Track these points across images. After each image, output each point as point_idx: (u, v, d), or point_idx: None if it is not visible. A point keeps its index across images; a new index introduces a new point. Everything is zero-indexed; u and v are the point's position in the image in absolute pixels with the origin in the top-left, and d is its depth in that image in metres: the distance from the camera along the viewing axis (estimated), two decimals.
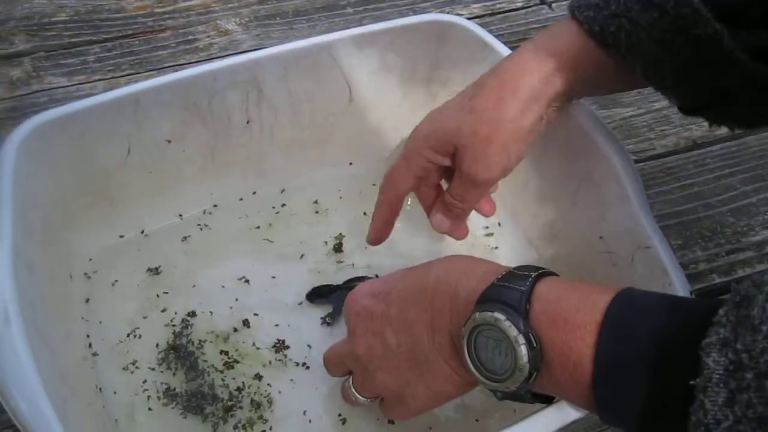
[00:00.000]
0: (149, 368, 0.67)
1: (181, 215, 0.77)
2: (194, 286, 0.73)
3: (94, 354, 0.67)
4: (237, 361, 0.68)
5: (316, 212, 0.80)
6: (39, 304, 0.57)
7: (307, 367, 0.68)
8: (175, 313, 0.71)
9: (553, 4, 1.12)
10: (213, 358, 0.68)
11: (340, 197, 0.81)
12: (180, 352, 0.68)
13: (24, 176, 0.61)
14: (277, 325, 0.70)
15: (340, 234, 0.78)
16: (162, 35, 1.02)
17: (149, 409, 0.65)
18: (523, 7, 1.11)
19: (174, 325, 0.70)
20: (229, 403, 0.65)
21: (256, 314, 0.71)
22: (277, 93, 0.73)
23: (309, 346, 0.69)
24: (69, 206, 0.69)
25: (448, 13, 1.07)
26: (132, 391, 0.66)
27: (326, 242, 0.77)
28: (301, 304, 0.72)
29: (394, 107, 0.81)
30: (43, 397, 0.48)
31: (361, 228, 0.73)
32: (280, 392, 0.66)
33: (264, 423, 0.64)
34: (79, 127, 0.66)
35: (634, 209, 0.63)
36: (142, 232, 0.76)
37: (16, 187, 0.59)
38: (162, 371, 0.67)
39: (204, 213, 0.78)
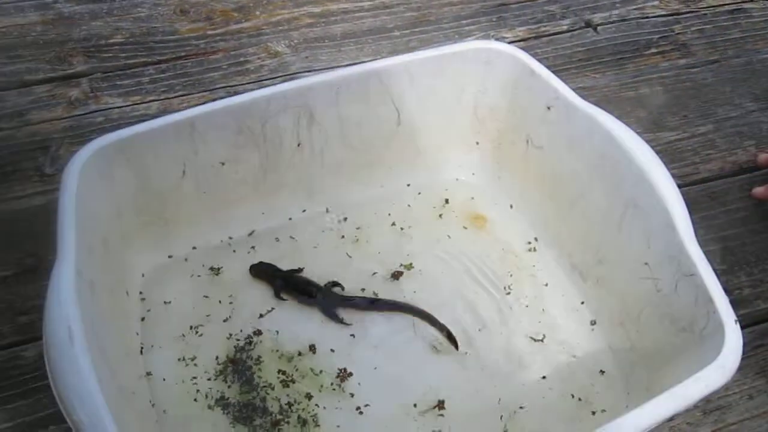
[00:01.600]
0: (207, 379, 0.70)
1: (231, 237, 0.80)
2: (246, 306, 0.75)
3: (148, 374, 0.69)
4: (294, 381, 0.70)
5: (356, 238, 0.81)
6: (99, 322, 0.59)
7: (352, 395, 0.70)
8: (240, 331, 0.73)
9: (599, 27, 1.12)
10: (270, 376, 0.70)
11: (385, 220, 0.82)
12: (238, 366, 0.70)
13: (85, 197, 0.63)
14: (332, 350, 0.72)
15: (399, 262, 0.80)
16: (214, 57, 1.05)
17: (202, 415, 0.67)
18: (568, 30, 1.12)
19: (238, 340, 0.72)
20: (278, 417, 0.67)
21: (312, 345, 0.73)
22: (328, 117, 0.75)
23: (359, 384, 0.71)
24: (126, 226, 0.72)
25: (492, 36, 1.09)
26: (187, 399, 0.68)
27: (375, 272, 0.79)
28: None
29: (441, 131, 0.82)
30: (105, 413, 0.50)
31: (403, 250, 0.76)
32: (325, 408, 0.68)
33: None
34: (137, 150, 0.69)
35: (679, 237, 0.64)
36: (194, 248, 0.78)
37: (78, 207, 0.61)
38: (218, 382, 0.69)
39: (253, 233, 0.80)
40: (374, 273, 0.78)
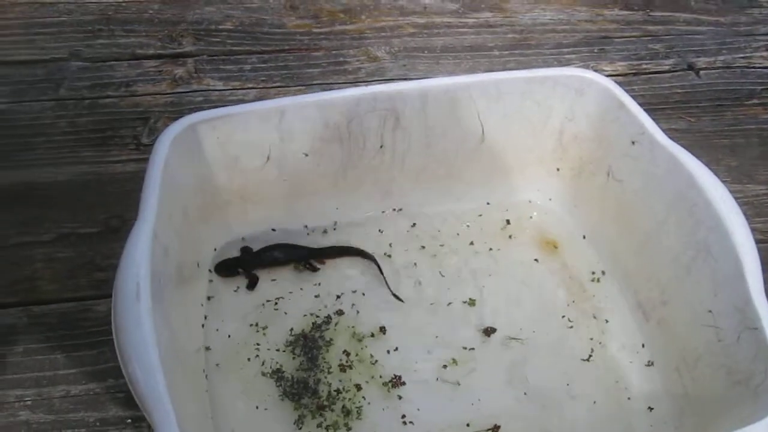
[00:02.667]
0: (275, 350, 0.73)
1: (306, 226, 0.82)
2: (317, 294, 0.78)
3: (207, 348, 0.72)
4: (351, 367, 0.72)
5: (436, 240, 0.83)
6: (168, 286, 0.62)
7: (400, 398, 0.71)
8: (325, 306, 0.77)
9: (701, 72, 1.11)
10: (333, 358, 0.72)
11: (457, 234, 0.83)
12: (308, 343, 0.73)
13: (173, 166, 0.66)
14: (396, 350, 0.74)
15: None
16: (315, 54, 1.08)
17: (253, 381, 0.70)
18: (669, 71, 1.10)
19: (317, 317, 0.76)
20: (324, 402, 0.69)
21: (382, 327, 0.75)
22: (414, 123, 0.77)
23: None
24: (206, 200, 0.75)
25: (592, 67, 1.09)
26: (243, 360, 0.72)
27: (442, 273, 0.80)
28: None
29: (523, 152, 0.83)
30: (159, 372, 0.53)
31: (469, 265, 0.76)
32: (369, 404, 0.69)
33: (347, 431, 0.68)
34: (227, 129, 0.72)
35: (747, 289, 0.62)
36: (274, 230, 0.81)
37: (164, 175, 0.64)
38: (283, 354, 0.73)
39: (325, 226, 0.83)
40: (438, 285, 0.80)
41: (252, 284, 0.77)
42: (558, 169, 0.84)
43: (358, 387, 0.71)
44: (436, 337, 0.75)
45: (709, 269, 0.67)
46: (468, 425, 0.69)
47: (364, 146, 0.77)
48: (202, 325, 0.73)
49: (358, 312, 0.76)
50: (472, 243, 0.83)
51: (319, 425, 0.68)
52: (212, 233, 0.78)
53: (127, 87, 1.01)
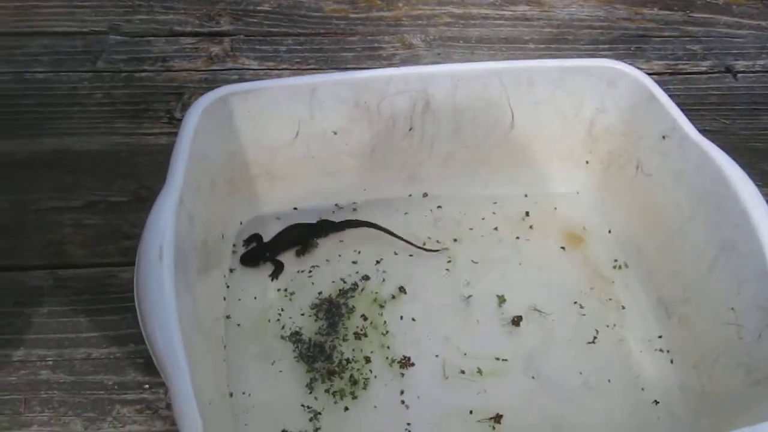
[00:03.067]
0: (300, 314, 0.75)
1: (337, 204, 0.83)
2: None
3: (228, 316, 0.73)
4: (365, 336, 0.73)
5: (461, 226, 0.83)
6: (191, 254, 0.63)
7: (413, 365, 0.71)
8: (356, 272, 0.78)
9: (739, 75, 1.09)
10: (352, 325, 0.73)
11: (482, 220, 0.83)
12: (332, 308, 0.74)
13: (202, 137, 0.67)
14: (413, 320, 0.75)
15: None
16: (351, 38, 1.09)
17: (271, 342, 0.72)
18: (706, 72, 1.09)
19: (345, 282, 0.77)
20: (335, 369, 0.70)
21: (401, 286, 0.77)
22: (443, 107, 0.77)
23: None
24: (235, 173, 0.76)
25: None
26: (263, 321, 0.74)
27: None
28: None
29: (552, 142, 0.82)
30: (177, 333, 0.53)
31: (492, 252, 0.76)
32: (376, 377, 0.70)
33: (352, 399, 0.68)
34: (258, 104, 0.72)
35: None
36: (296, 208, 0.82)
37: (193, 144, 0.65)
38: (306, 318, 0.74)
39: (352, 205, 0.83)
40: (460, 270, 0.79)
41: (277, 272, 0.77)
42: (587, 162, 0.84)
43: (368, 359, 0.71)
44: (451, 323, 0.75)
45: (734, 266, 0.66)
46: (471, 412, 0.68)
47: (394, 128, 0.77)
48: (224, 298, 0.74)
49: (384, 279, 0.78)
50: (496, 229, 0.83)
51: (327, 390, 0.69)
52: (239, 207, 0.78)
53: (163, 62, 1.03)
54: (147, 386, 0.71)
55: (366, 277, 0.77)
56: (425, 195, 0.84)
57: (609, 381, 0.71)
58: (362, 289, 0.77)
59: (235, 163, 0.75)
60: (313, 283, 0.77)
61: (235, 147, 0.74)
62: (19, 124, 0.94)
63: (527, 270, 0.80)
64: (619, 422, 0.69)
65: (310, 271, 0.78)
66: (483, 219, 0.83)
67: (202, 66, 1.02)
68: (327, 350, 0.72)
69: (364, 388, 0.69)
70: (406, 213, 0.83)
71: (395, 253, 0.80)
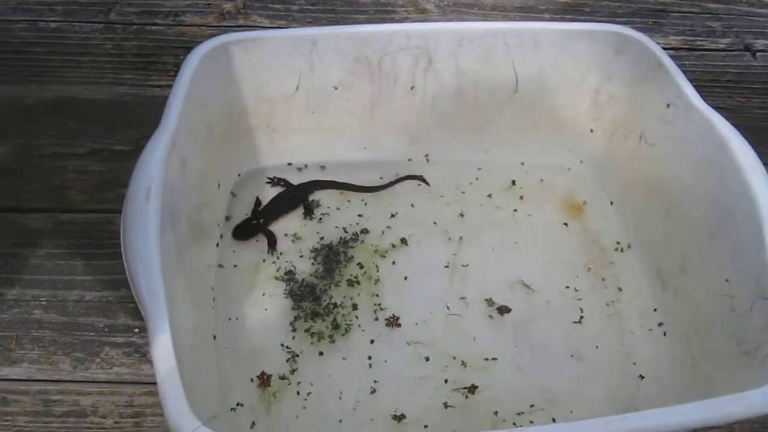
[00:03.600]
0: (299, 256, 0.76)
1: (337, 161, 0.82)
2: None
3: (220, 265, 0.74)
4: (358, 283, 0.73)
5: (462, 192, 0.82)
6: (180, 197, 0.63)
7: (399, 326, 0.71)
8: (361, 222, 0.79)
9: (758, 54, 1.07)
10: (347, 272, 0.74)
11: (482, 187, 0.83)
12: (331, 254, 0.75)
13: (200, 83, 0.67)
14: (405, 278, 0.75)
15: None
16: (363, 1, 1.08)
17: (264, 280, 0.74)
18: (724, 50, 1.07)
19: (346, 232, 0.78)
20: (320, 311, 0.71)
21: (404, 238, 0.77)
22: (446, 67, 0.76)
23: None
24: (234, 123, 0.76)
25: None
26: (259, 262, 0.75)
27: (459, 234, 0.80)
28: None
29: (557, 109, 0.81)
30: (157, 268, 0.53)
31: (491, 219, 0.76)
32: (359, 329, 0.71)
33: (330, 343, 0.69)
34: (258, 53, 0.72)
35: (766, 257, 0.61)
36: (289, 164, 0.82)
37: (190, 88, 0.65)
38: (305, 260, 0.75)
39: (350, 165, 0.83)
40: (456, 235, 0.79)
41: (272, 244, 0.76)
42: (591, 131, 0.82)
43: (355, 306, 0.72)
44: (441, 288, 0.75)
45: (731, 236, 0.65)
46: (446, 381, 0.68)
47: (395, 84, 0.77)
48: (217, 245, 0.74)
49: (383, 232, 0.78)
50: (494, 198, 0.82)
51: (307, 330, 0.70)
52: (237, 158, 0.78)
53: (174, 17, 1.03)
54: (136, 330, 0.72)
55: (365, 231, 0.78)
56: (426, 157, 0.83)
57: (600, 353, 0.71)
58: (362, 241, 0.77)
59: (233, 113, 0.75)
60: (317, 232, 0.78)
61: (235, 96, 0.74)
62: (29, 71, 0.94)
63: (526, 239, 0.79)
64: (608, 393, 0.68)
65: (320, 219, 0.79)
66: (483, 188, 0.82)
67: (213, 22, 1.02)
68: (317, 292, 0.73)
69: (344, 334, 0.70)
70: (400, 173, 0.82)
71: (394, 213, 0.80)
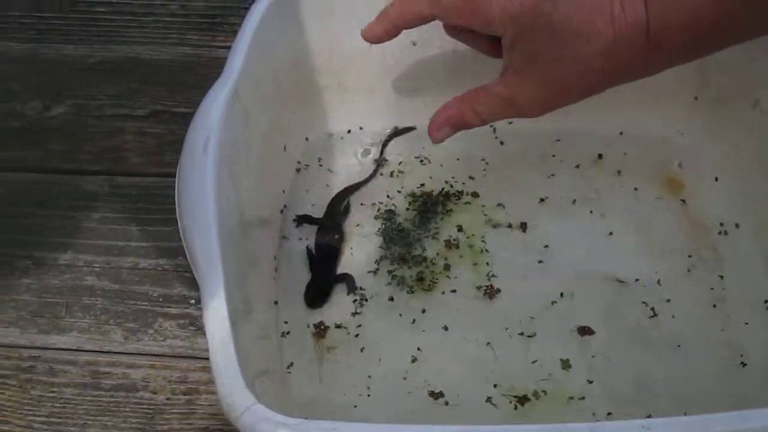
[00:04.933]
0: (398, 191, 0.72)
1: (413, 126, 0.75)
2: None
3: (284, 237, 0.68)
4: (457, 247, 0.68)
5: (552, 169, 0.75)
6: (242, 152, 0.58)
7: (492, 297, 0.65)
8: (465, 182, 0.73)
9: None
10: (445, 229, 0.69)
11: (574, 158, 0.75)
12: (428, 204, 0.70)
13: (267, 31, 0.62)
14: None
15: None
16: None
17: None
18: None
19: (452, 186, 0.72)
20: (406, 256, 0.67)
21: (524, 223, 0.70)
22: None
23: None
24: (302, 80, 0.70)
25: None
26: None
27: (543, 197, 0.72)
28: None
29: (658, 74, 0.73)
30: (214, 230, 0.48)
31: (578, 191, 0.69)
32: (447, 286, 0.65)
33: (407, 293, 0.65)
34: (332, 6, 0.66)
35: None
36: (361, 128, 0.75)
37: (256, 36, 0.60)
38: (402, 200, 0.71)
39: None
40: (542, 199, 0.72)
41: (351, 286, 0.66)
42: (696, 98, 0.74)
43: (447, 267, 0.66)
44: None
45: None
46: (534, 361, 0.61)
47: None
48: (283, 191, 0.70)
49: (504, 206, 0.71)
50: (577, 166, 0.74)
51: (390, 272, 0.66)
52: (305, 120, 0.72)
53: None
54: (192, 301, 0.67)
55: (475, 195, 0.71)
56: (510, 123, 0.76)
57: (704, 345, 0.62)
58: (467, 203, 0.71)
59: (302, 69, 0.69)
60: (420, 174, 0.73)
61: (304, 50, 0.68)
62: (92, 31, 0.90)
63: (620, 215, 0.71)
64: (708, 383, 0.60)
65: (422, 161, 0.74)
66: (574, 158, 0.75)
67: None
68: (410, 239, 0.68)
69: (427, 290, 0.65)
70: (480, 144, 0.75)
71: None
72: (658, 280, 0.66)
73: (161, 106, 0.82)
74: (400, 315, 0.63)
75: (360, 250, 0.68)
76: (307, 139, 0.73)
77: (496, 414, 0.57)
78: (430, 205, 0.70)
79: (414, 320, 0.63)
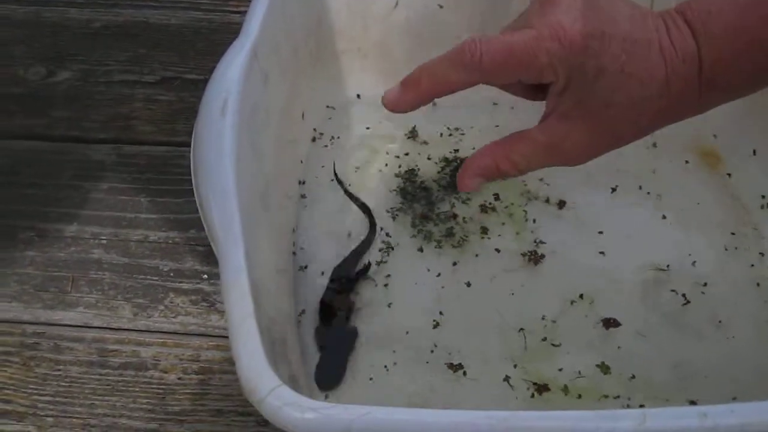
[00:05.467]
0: (427, 158, 0.69)
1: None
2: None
3: (303, 196, 0.65)
4: (494, 210, 0.65)
5: None
6: (261, 115, 0.54)
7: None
8: None
9: None
10: (477, 196, 0.66)
11: None
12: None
13: None
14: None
15: None
16: None
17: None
18: None
19: None
20: (431, 215, 0.64)
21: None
22: None
23: None
24: (322, 44, 0.67)
25: None
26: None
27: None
28: None
29: None
30: (233, 195, 0.44)
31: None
32: (476, 256, 0.62)
33: (435, 247, 0.62)
34: None
35: None
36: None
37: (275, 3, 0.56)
38: (433, 165, 0.68)
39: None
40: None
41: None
42: None
43: (485, 230, 0.63)
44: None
45: None
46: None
47: (509, 4, 0.65)
48: (301, 161, 0.67)
49: (544, 180, 0.67)
50: None
51: (413, 225, 0.64)
52: (324, 86, 0.69)
53: None
54: (205, 276, 0.63)
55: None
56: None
57: (746, 325, 0.59)
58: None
59: (322, 32, 0.65)
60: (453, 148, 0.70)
61: (323, 11, 0.65)
62: None
63: (649, 188, 0.67)
64: (749, 363, 0.57)
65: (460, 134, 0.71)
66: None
67: None
68: (433, 199, 0.65)
69: (457, 246, 0.62)
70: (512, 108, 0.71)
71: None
72: (693, 261, 0.63)
73: (171, 72, 0.79)
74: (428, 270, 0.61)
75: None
76: (327, 107, 0.70)
77: (511, 397, 0.54)
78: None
79: (439, 274, 0.61)
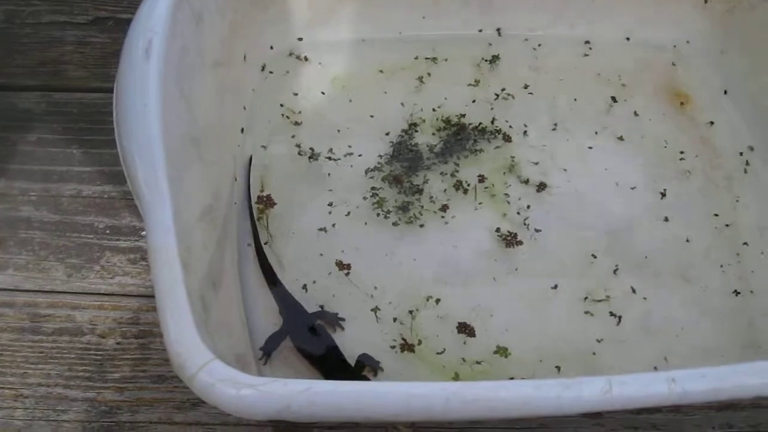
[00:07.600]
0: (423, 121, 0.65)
1: (400, 32, 0.68)
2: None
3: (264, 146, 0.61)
4: (465, 193, 0.61)
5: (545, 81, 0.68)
6: (192, 58, 0.49)
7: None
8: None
9: None
10: (468, 176, 0.62)
11: (572, 68, 0.68)
12: (459, 134, 0.64)
13: None
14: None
15: None
16: None
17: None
18: None
19: (483, 124, 0.65)
20: (403, 178, 0.61)
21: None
22: None
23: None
24: None
25: None
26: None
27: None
28: None
29: None
30: (159, 149, 0.41)
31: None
32: (446, 224, 0.59)
33: (407, 224, 0.59)
34: None
35: None
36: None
37: None
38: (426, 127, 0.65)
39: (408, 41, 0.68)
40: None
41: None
42: (706, 2, 0.67)
43: (445, 208, 0.60)
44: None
45: None
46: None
47: None
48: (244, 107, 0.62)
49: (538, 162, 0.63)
50: (581, 82, 0.67)
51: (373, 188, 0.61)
52: (267, 26, 0.64)
53: None
54: (144, 233, 0.59)
55: (508, 138, 0.64)
56: (499, 31, 0.68)
57: (709, 272, 0.58)
58: (498, 147, 0.63)
59: None
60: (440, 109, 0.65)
61: None
62: None
63: (618, 131, 0.65)
64: (717, 321, 0.55)
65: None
66: (572, 69, 0.68)
67: None
68: (419, 167, 0.62)
69: (419, 225, 0.59)
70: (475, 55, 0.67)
71: None
72: (663, 193, 0.61)
73: (105, 12, 0.74)
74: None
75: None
76: (271, 47, 0.65)
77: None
78: (461, 137, 0.63)
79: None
